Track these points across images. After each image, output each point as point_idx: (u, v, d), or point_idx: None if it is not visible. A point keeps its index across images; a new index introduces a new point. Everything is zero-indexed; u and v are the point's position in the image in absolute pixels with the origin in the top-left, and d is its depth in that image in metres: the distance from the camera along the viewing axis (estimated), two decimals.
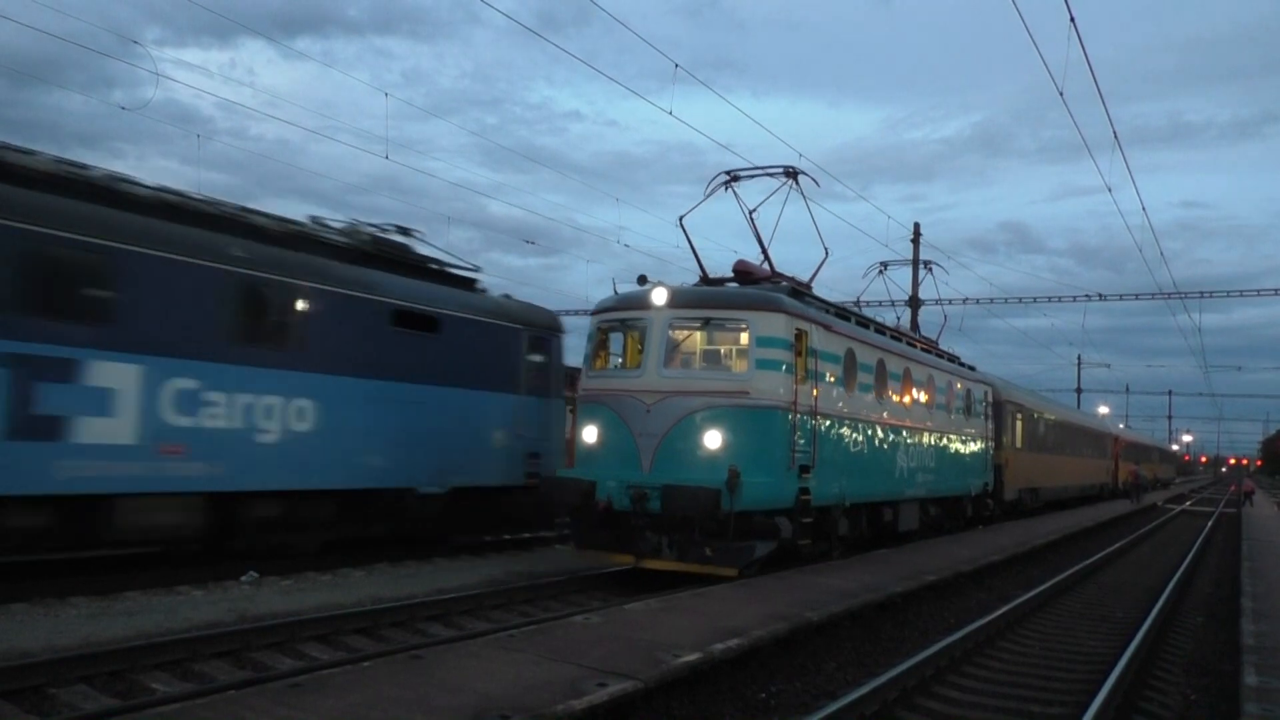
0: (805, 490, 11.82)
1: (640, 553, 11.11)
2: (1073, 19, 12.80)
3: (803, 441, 11.81)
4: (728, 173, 13.53)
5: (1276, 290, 32.82)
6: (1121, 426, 64.05)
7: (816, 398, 12.19)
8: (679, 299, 11.63)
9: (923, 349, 18.04)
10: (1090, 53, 13.79)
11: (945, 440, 18.04)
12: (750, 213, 13.60)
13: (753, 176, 13.69)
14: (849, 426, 13.40)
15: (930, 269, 21.68)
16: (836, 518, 13.07)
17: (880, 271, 20.56)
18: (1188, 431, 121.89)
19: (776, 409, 11.29)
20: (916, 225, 30.34)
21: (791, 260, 16.64)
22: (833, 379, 12.84)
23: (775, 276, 13.13)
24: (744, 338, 11.68)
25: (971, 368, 21.70)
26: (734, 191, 13.57)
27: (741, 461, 10.71)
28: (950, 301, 34.84)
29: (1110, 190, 21.13)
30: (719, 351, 12.27)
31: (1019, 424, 25.36)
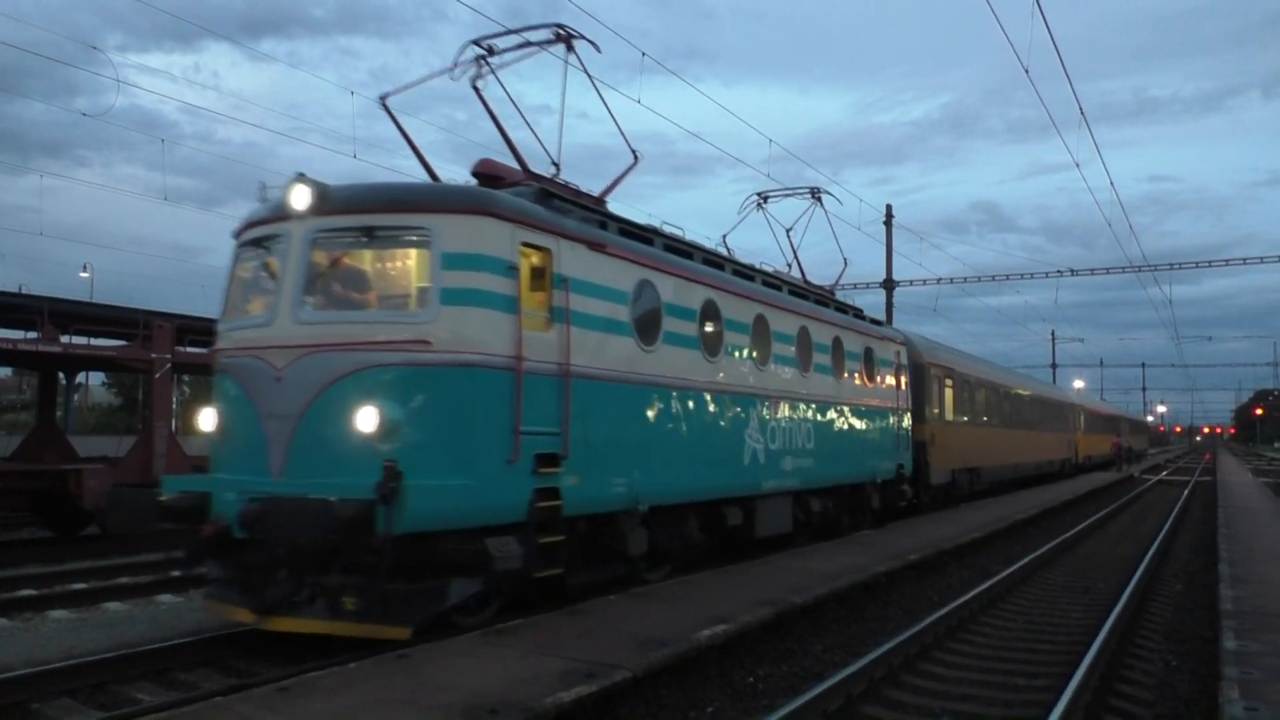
0: (550, 491, 8.11)
1: (264, 604, 7.24)
2: None
3: (543, 418, 8.05)
4: (476, 42, 9.89)
5: (1245, 260, 33.25)
6: (1099, 399, 64.75)
7: (570, 351, 8.43)
8: (329, 201, 7.75)
9: (793, 292, 13.86)
10: (1054, 31, 13.91)
11: (832, 413, 14.34)
12: (477, 91, 9.75)
13: (515, 62, 10.05)
14: (648, 395, 9.63)
15: (820, 199, 16.19)
16: (627, 529, 9.30)
17: (759, 206, 16.08)
18: (1162, 402, 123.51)
19: (481, 367, 7.52)
20: (889, 207, 30.54)
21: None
22: (611, 324, 9.15)
23: (530, 178, 9.27)
24: (425, 256, 7.72)
25: (878, 322, 17.78)
26: (494, 75, 9.85)
27: (416, 452, 7.14)
28: (925, 283, 35.07)
29: (1078, 166, 21.40)
30: (392, 282, 8.18)
31: (949, 392, 21.37)
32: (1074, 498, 25.79)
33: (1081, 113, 18.25)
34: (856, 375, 15.51)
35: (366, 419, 7.14)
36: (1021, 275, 36.36)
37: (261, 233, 8.22)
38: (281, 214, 7.95)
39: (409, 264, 8.04)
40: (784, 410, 12.69)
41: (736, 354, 11.56)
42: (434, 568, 7.36)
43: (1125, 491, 32.13)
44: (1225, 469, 46.38)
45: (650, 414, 9.72)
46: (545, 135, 9.82)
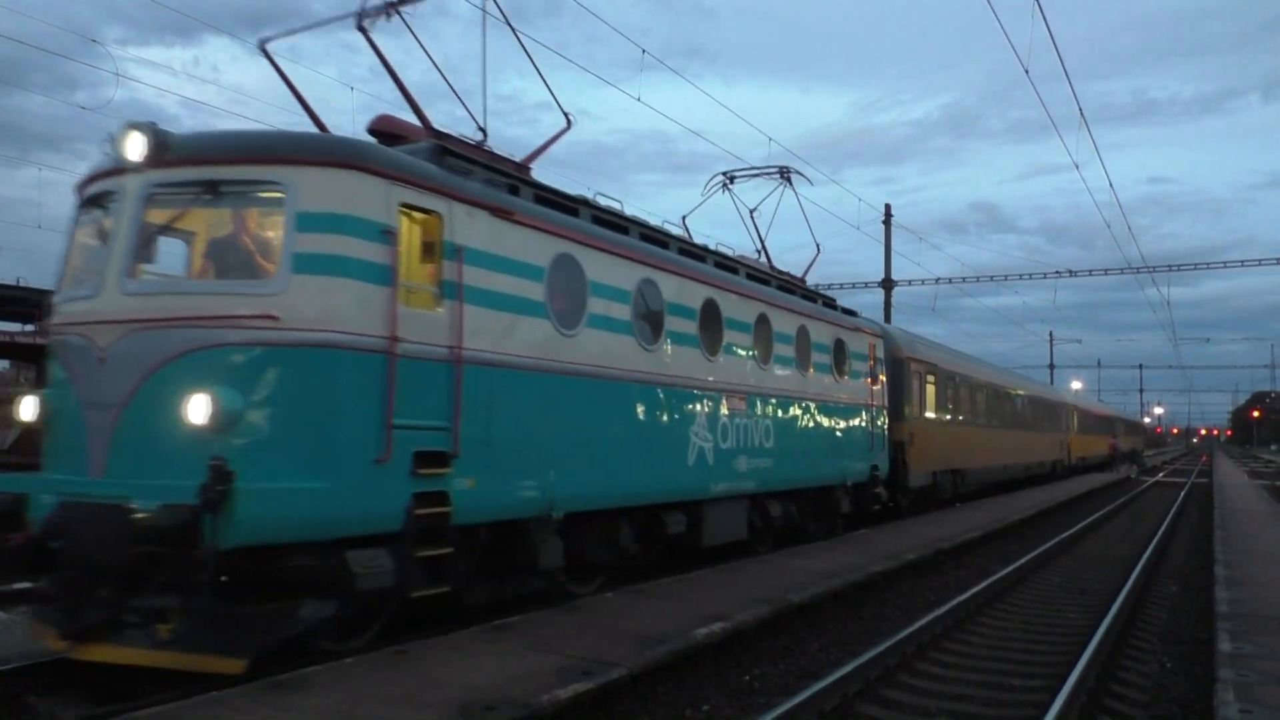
0: (436, 496, 6.95)
1: (75, 628, 6.08)
2: None
3: (426, 409, 6.90)
4: None
5: (1243, 262, 33.37)
6: (1097, 400, 64.79)
7: (465, 332, 7.25)
8: (169, 151, 6.63)
9: (752, 276, 12.58)
10: (1055, 31, 13.92)
11: (795, 409, 13.13)
12: (365, 34, 8.64)
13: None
14: (568, 386, 8.41)
15: (789, 179, 14.96)
16: (539, 539, 8.11)
17: (724, 187, 14.77)
18: (1159, 404, 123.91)
19: (342, 348, 6.38)
20: (888, 206, 30.55)
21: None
22: (522, 304, 7.96)
23: (432, 135, 8.18)
24: (277, 216, 6.62)
25: (850, 312, 16.35)
26: (402, 19, 8.73)
27: (256, 450, 6.13)
28: (924, 282, 35.10)
29: (1078, 167, 21.39)
30: (239, 246, 6.94)
31: (930, 388, 20.08)
32: (1069, 499, 25.81)
33: (1081, 114, 18.27)
34: (824, 368, 14.23)
35: (197, 409, 6.04)
36: (1020, 276, 36.44)
37: (99, 188, 7.08)
38: (119, 167, 6.78)
39: (259, 225, 6.92)
40: (739, 406, 11.45)
41: (681, 342, 10.26)
42: (282, 587, 6.24)
43: (1122, 493, 32.18)
44: (1222, 471, 46.47)
45: (570, 408, 8.49)
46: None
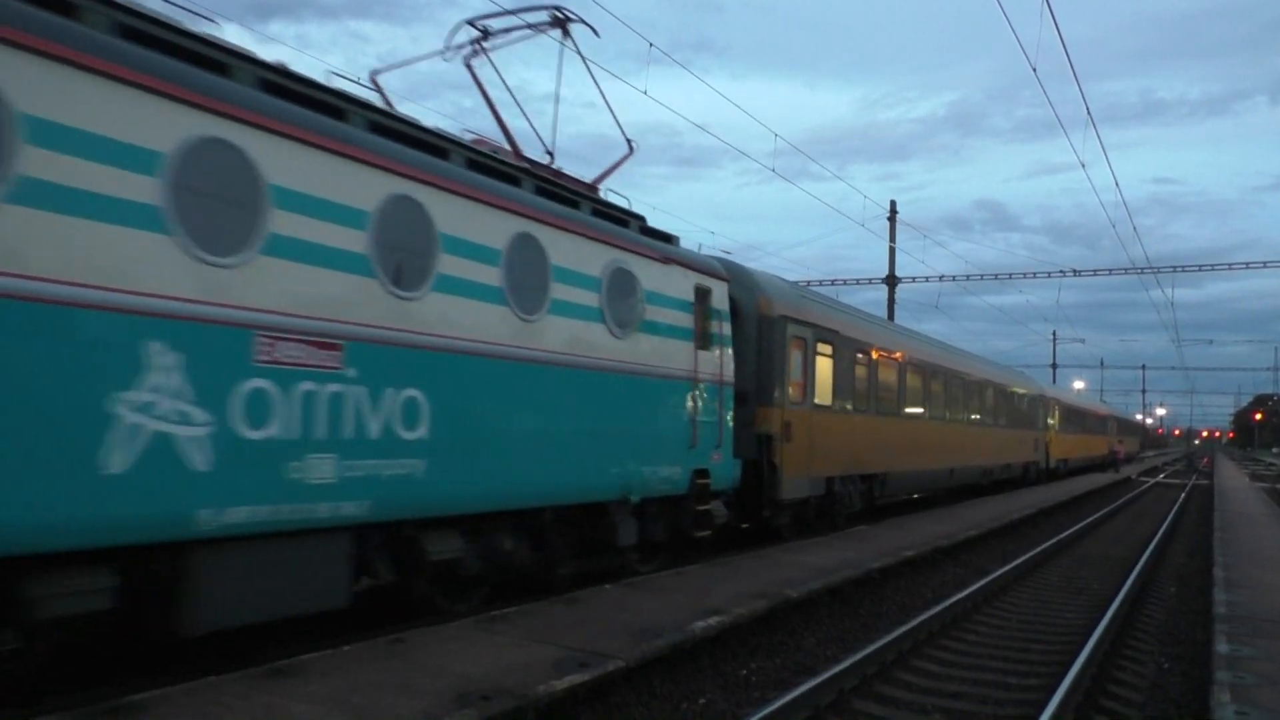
0: None
1: None
2: None
3: None
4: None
5: (1247, 264, 33.27)
6: (1100, 400, 64.72)
7: None
8: None
9: (386, 131, 7.11)
10: (1063, 30, 13.85)
11: (499, 376, 7.81)
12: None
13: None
14: None
15: (566, 28, 9.70)
16: None
17: (475, 46, 9.57)
18: (1162, 405, 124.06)
19: None
20: (893, 203, 30.51)
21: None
22: None
23: None
24: None
25: (666, 237, 10.64)
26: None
27: None
28: (928, 280, 35.06)
29: (1084, 167, 21.34)
30: None
31: (825, 362, 14.41)
32: (1069, 499, 25.77)
33: (1088, 113, 18.21)
34: (585, 313, 8.96)
35: None
36: (1024, 275, 36.39)
37: None
38: None
39: None
40: (324, 361, 6.31)
41: (103, 216, 5.03)
42: None
43: (1121, 495, 32.16)
44: (1223, 474, 46.43)
45: None
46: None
